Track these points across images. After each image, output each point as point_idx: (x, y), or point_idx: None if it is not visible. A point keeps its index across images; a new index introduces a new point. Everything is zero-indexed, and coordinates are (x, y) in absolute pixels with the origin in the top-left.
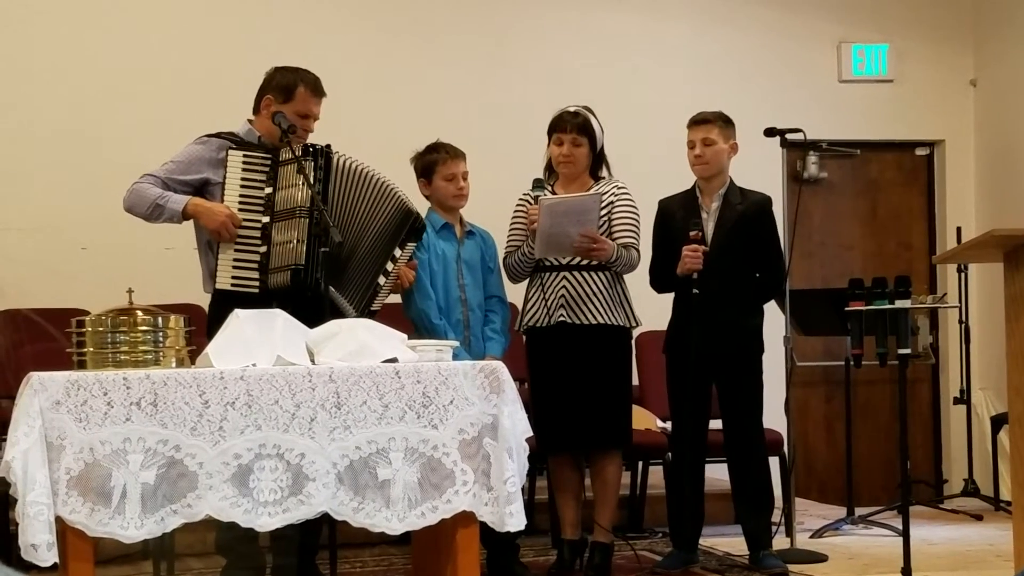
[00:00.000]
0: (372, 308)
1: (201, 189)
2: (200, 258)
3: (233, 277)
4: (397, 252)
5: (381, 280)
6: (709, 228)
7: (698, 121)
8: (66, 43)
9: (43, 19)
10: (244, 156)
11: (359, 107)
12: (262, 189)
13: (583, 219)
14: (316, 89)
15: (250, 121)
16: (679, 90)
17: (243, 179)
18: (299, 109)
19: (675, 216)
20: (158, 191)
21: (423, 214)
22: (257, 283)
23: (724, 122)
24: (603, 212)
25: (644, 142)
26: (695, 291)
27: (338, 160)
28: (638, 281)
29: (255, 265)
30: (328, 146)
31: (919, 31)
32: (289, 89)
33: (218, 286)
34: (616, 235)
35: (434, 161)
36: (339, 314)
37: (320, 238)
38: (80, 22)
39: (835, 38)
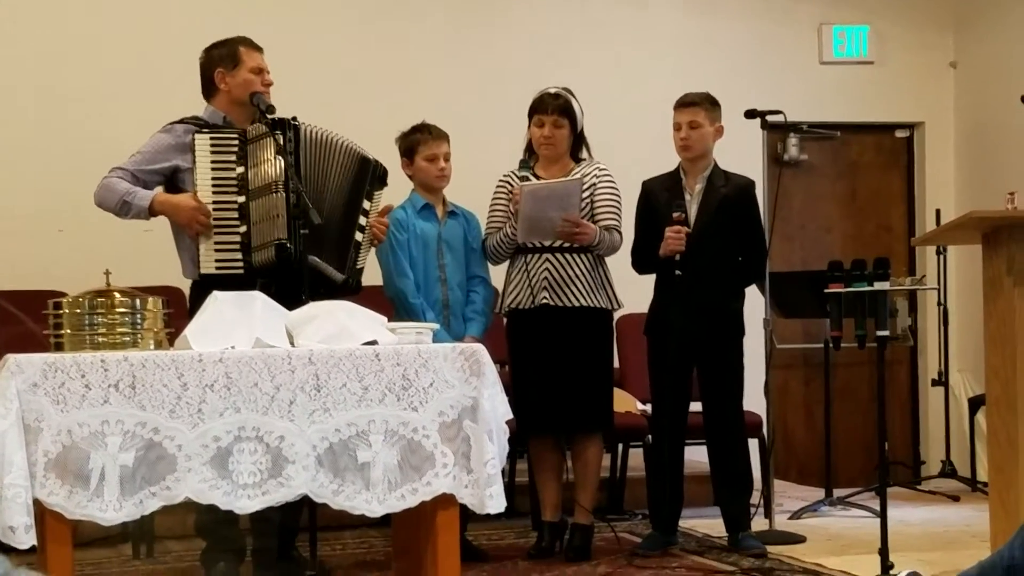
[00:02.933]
0: (359, 266)
1: (172, 177)
2: (176, 244)
3: (217, 260)
4: (366, 204)
5: (358, 236)
6: (692, 210)
7: (684, 103)
8: (41, 25)
9: (18, 4)
10: (211, 138)
11: (343, 88)
12: (234, 169)
13: (565, 203)
14: (253, 44)
15: (210, 102)
16: (661, 71)
17: (213, 161)
18: (252, 66)
19: (659, 197)
20: (126, 186)
21: (406, 196)
22: (241, 263)
23: (711, 104)
24: (585, 195)
25: (626, 124)
26: (677, 272)
27: (306, 130)
28: (619, 264)
29: (237, 246)
30: (295, 118)
31: (900, 13)
32: (233, 54)
33: (203, 271)
34: (598, 218)
35: (417, 141)
36: (328, 284)
37: (298, 219)
38: (56, 5)
39: (816, 20)
